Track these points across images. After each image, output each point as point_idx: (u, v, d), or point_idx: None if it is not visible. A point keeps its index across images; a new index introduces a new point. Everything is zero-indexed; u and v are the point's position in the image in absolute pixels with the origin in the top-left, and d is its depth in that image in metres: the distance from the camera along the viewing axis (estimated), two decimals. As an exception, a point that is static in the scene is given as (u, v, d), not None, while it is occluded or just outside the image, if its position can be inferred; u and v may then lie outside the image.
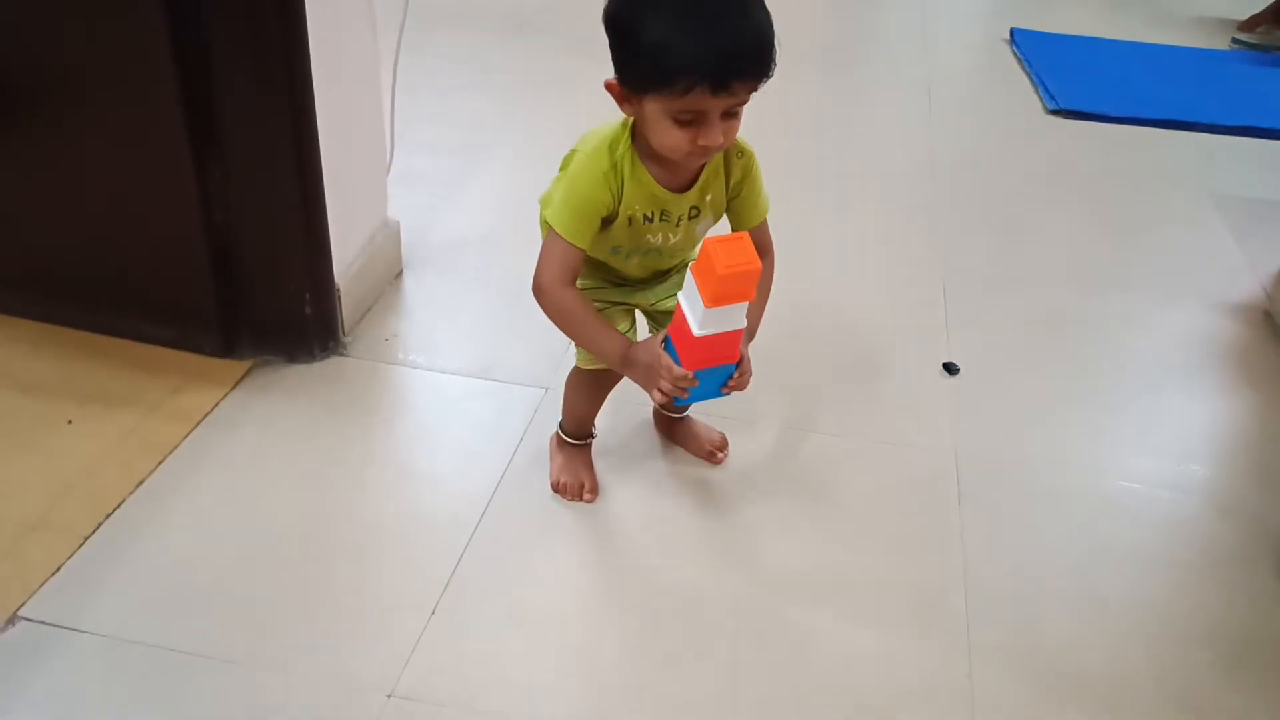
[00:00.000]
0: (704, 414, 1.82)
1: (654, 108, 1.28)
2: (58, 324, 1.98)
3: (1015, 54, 3.92)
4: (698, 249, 1.44)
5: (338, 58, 1.82)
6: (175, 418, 1.80)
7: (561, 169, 1.47)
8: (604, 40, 1.31)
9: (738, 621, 1.51)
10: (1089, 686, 1.45)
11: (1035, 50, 3.89)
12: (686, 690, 1.41)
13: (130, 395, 1.84)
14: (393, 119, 2.14)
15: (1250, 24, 4.25)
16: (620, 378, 1.58)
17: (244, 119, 1.74)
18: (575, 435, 1.73)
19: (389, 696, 1.37)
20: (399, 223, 2.21)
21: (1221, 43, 4.26)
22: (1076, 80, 3.61)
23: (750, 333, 1.44)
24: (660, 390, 1.36)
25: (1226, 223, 2.76)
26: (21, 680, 1.35)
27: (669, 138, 1.30)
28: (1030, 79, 3.69)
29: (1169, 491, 1.82)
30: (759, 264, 1.25)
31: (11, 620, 1.43)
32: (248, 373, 1.92)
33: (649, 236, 1.45)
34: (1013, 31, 4.07)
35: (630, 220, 1.42)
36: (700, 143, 1.29)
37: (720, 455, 1.79)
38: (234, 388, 1.88)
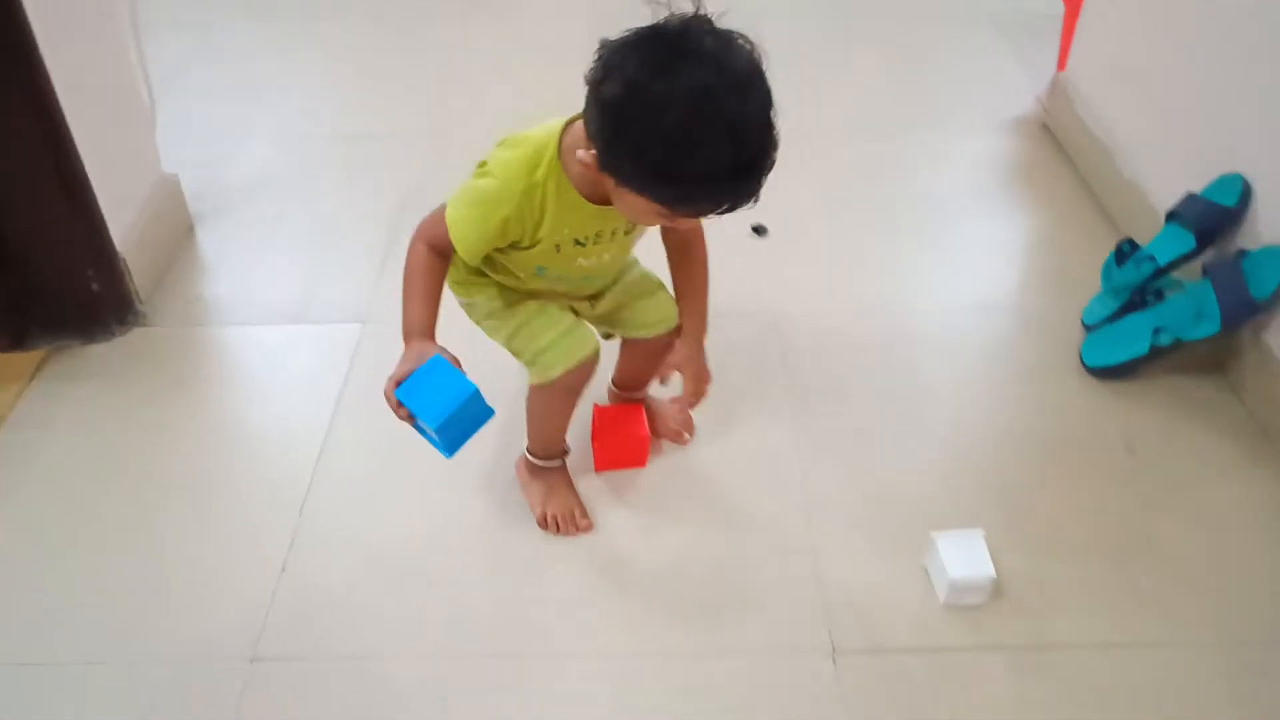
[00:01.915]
0: (665, 391, 1.69)
1: (638, 199, 1.17)
2: None
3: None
4: (631, 268, 1.48)
5: (66, 12, 1.68)
6: (-27, 424, 1.70)
7: (479, 167, 1.32)
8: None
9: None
10: (919, 506, 1.54)
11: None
12: (543, 602, 1.44)
13: (-83, 409, 1.73)
14: (145, 69, 2.00)
15: None
16: (588, 379, 1.44)
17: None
18: (547, 456, 1.56)
19: (252, 661, 1.36)
20: (178, 177, 2.10)
21: None
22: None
23: (699, 332, 1.48)
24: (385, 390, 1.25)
25: (1004, 40, 2.85)
26: None
27: (642, 217, 1.23)
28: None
29: (976, 316, 1.92)
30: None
31: None
32: (43, 363, 1.82)
33: (581, 260, 1.35)
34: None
35: (559, 247, 1.32)
36: (677, 224, 1.27)
37: (687, 436, 1.68)
38: (30, 381, 1.78)
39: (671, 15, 1.12)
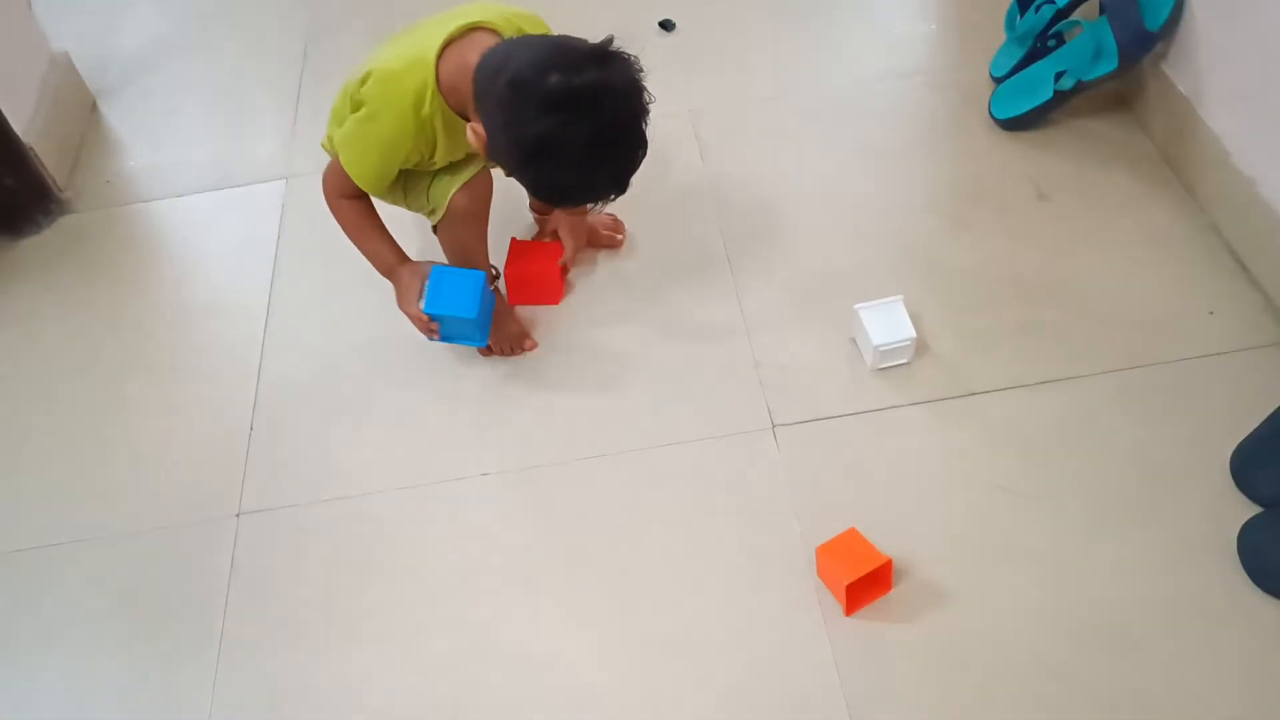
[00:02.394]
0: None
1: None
2: None
3: None
4: None
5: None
6: (-77, 336, 1.73)
7: (348, 97, 1.39)
8: None
9: (544, 338, 1.61)
10: (843, 282, 1.61)
11: None
12: (500, 423, 1.53)
13: None
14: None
15: None
16: (490, 194, 1.50)
17: None
18: None
19: (238, 515, 1.46)
20: (67, 54, 2.04)
21: None
22: None
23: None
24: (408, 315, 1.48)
25: None
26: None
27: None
28: None
29: (886, 83, 1.93)
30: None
31: None
32: (-21, 266, 1.83)
33: (474, 164, 1.46)
34: None
35: (452, 164, 1.44)
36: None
37: (620, 237, 1.72)
38: (-32, 285, 1.80)
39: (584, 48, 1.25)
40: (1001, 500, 1.36)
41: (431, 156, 1.40)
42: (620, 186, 1.30)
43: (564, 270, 1.65)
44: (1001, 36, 1.89)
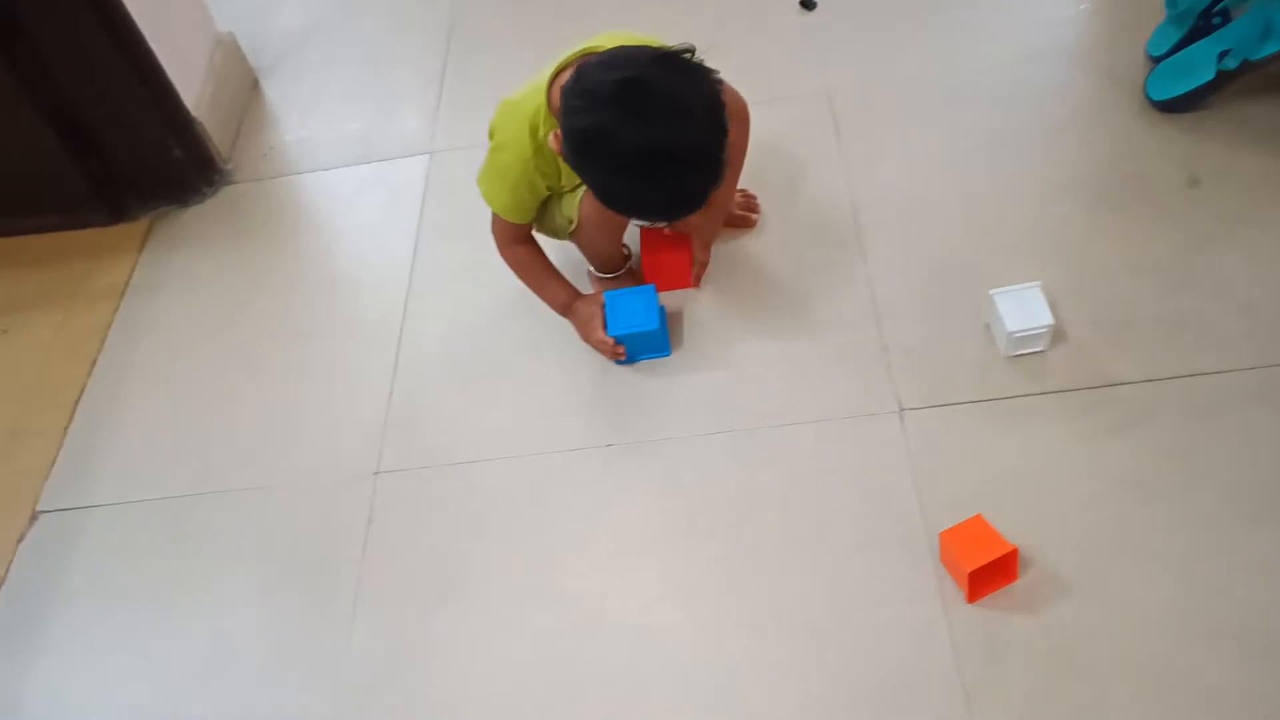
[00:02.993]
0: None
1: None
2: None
3: None
4: None
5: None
6: (100, 297, 1.87)
7: (490, 137, 1.45)
8: None
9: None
10: (980, 266, 1.58)
11: None
12: (621, 399, 1.56)
13: (47, 290, 1.90)
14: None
15: None
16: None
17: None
18: (609, 270, 1.65)
19: (375, 474, 1.53)
20: (233, 35, 2.15)
21: None
22: None
23: (725, 206, 1.62)
24: (593, 344, 1.55)
25: None
26: (55, 567, 1.52)
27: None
28: None
29: (1035, 65, 1.87)
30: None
31: (33, 519, 1.58)
32: (149, 230, 1.96)
33: None
34: None
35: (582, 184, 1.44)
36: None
37: (754, 216, 1.71)
38: (142, 250, 1.93)
39: (648, 56, 1.26)
40: (1132, 495, 1.31)
41: (559, 179, 1.45)
42: (671, 211, 1.31)
43: (700, 264, 1.64)
44: (1160, 14, 1.81)
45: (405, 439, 1.56)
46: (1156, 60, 1.77)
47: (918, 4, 2.04)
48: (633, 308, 1.53)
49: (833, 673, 1.24)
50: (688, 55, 1.28)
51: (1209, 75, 1.65)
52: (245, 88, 2.18)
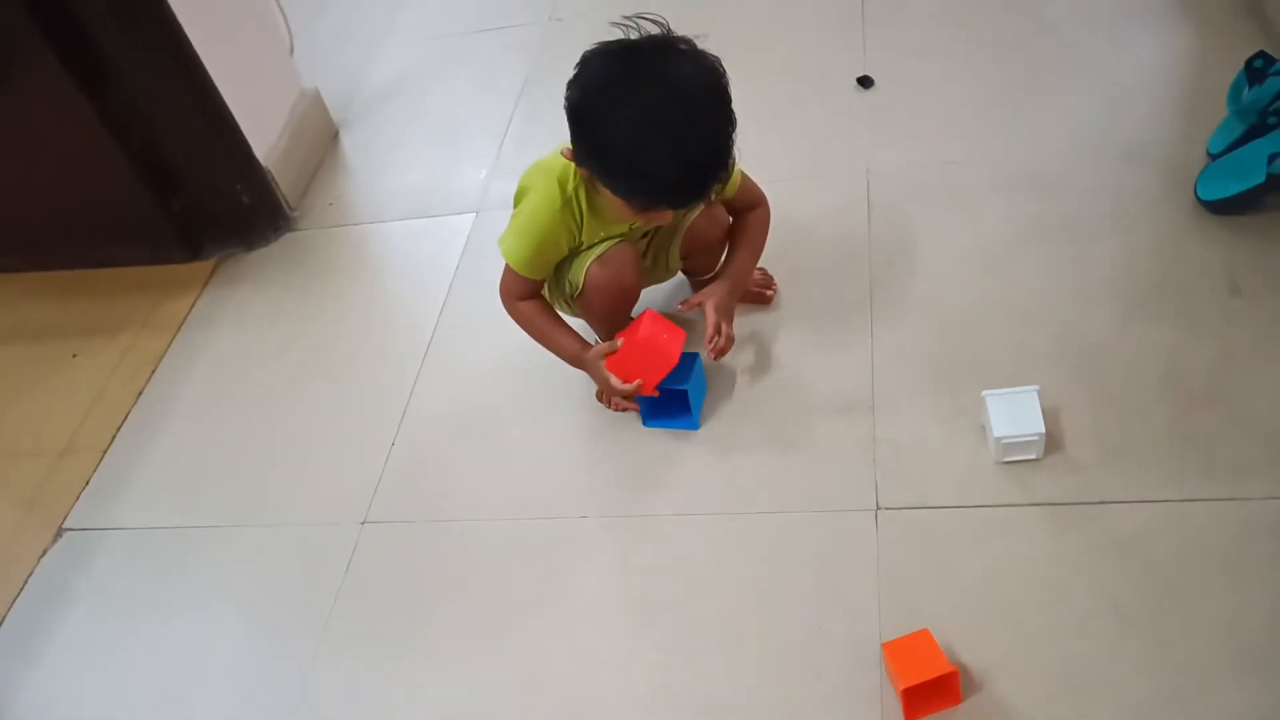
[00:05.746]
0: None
1: (611, 196, 1.35)
2: (50, 270, 2.19)
3: None
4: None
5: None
6: (162, 328, 2.00)
7: (515, 202, 1.51)
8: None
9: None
10: (988, 363, 1.51)
11: None
12: (606, 473, 1.56)
13: (123, 318, 2.05)
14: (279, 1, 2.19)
15: None
16: (629, 271, 1.51)
17: (124, 47, 1.84)
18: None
19: (362, 523, 1.58)
20: (316, 90, 2.28)
21: None
22: None
23: (739, 279, 1.59)
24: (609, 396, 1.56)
25: None
26: (72, 583, 1.62)
27: (620, 213, 1.39)
28: None
29: (1090, 155, 1.78)
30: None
31: (58, 534, 1.70)
32: (214, 270, 2.09)
33: (612, 241, 1.50)
34: None
35: (593, 246, 1.48)
36: (652, 221, 1.41)
37: (770, 292, 1.71)
38: (204, 288, 2.06)
39: (645, 36, 1.28)
40: (1106, 627, 1.22)
41: (580, 234, 1.46)
42: (681, 164, 1.26)
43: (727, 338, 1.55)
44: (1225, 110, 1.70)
45: (397, 490, 1.61)
46: (1214, 158, 1.66)
47: (981, 91, 1.98)
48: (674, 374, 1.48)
49: (754, 776, 1.20)
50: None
51: (1259, 178, 1.54)
52: (325, 139, 2.30)
